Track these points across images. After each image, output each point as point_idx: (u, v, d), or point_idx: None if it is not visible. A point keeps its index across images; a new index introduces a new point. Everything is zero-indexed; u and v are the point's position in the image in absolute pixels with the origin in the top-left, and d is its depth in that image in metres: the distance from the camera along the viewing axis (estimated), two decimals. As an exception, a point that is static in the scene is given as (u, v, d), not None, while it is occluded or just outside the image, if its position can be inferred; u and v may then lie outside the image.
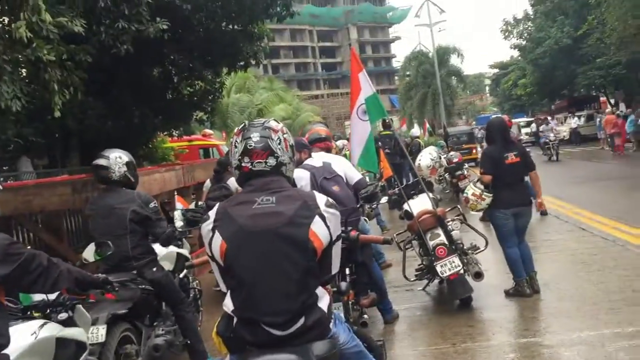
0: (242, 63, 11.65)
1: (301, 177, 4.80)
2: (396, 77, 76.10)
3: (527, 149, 6.71)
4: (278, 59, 75.39)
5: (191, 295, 5.26)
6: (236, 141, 2.33)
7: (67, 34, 7.18)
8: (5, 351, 2.27)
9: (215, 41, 10.19)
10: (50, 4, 7.05)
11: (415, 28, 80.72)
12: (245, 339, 2.22)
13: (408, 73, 50.72)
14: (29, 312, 2.95)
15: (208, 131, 19.18)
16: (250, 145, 2.29)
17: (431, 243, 5.76)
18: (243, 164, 2.30)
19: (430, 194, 6.51)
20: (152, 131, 12.23)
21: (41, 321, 2.83)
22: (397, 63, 79.76)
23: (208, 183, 7.63)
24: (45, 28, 6.67)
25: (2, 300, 2.32)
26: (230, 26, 10.42)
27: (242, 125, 2.40)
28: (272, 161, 2.31)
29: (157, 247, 4.59)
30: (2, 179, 7.59)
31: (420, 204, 6.22)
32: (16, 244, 2.40)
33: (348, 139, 10.08)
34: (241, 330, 2.22)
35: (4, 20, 7.48)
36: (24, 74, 7.84)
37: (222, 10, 9.60)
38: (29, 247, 2.59)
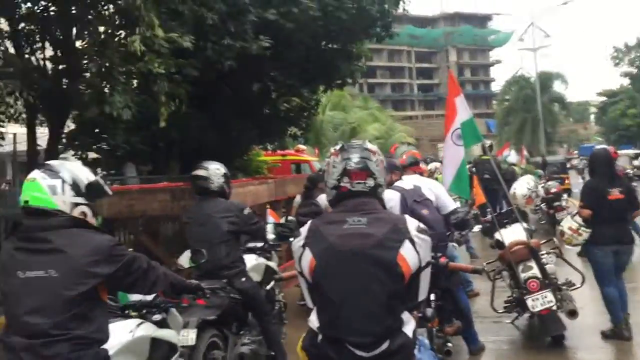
0: (339, 81, 11.80)
1: (391, 198, 4.78)
2: (494, 101, 74.25)
3: (635, 184, 6.33)
4: (374, 78, 75.67)
5: (276, 307, 5.35)
6: (334, 161, 2.35)
7: (176, 48, 7.59)
8: (104, 346, 2.42)
9: (314, 59, 10.40)
10: (163, 19, 7.47)
11: (518, 52, 78.35)
12: (330, 356, 2.23)
13: (507, 97, 49.42)
14: (126, 311, 3.13)
15: (301, 147, 19.50)
16: (350, 166, 2.32)
17: (523, 275, 5.55)
18: (342, 184, 2.32)
19: (525, 224, 6.28)
20: (248, 144, 12.62)
21: (138, 320, 2.98)
22: (496, 87, 77.92)
23: (298, 198, 7.76)
24: (157, 43, 7.09)
25: (104, 298, 2.48)
26: (330, 45, 10.60)
27: (341, 145, 2.43)
28: (370, 182, 2.33)
29: (247, 258, 4.73)
30: (109, 182, 8.08)
31: (513, 234, 6.01)
32: (120, 245, 2.55)
33: (440, 162, 9.92)
34: (326, 347, 2.23)
35: (120, 33, 8.03)
36: (135, 85, 8.34)
37: (323, 29, 9.79)
38: (130, 249, 2.76)
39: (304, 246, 2.27)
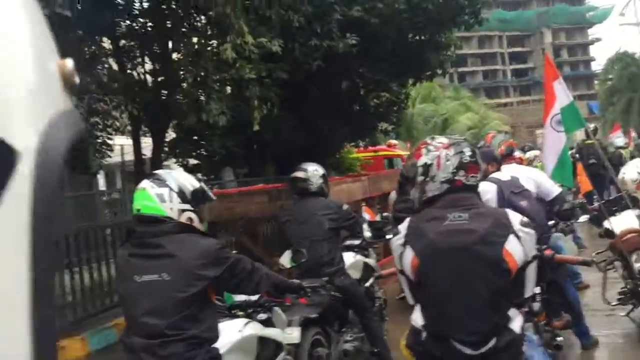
0: (428, 73, 11.63)
1: (487, 190, 4.61)
2: (596, 82, 70.20)
3: None
4: (465, 67, 73.72)
5: (376, 304, 5.36)
6: (447, 155, 2.29)
7: (265, 53, 7.79)
8: (214, 345, 2.53)
9: (402, 53, 10.31)
10: (252, 26, 7.69)
11: (619, 28, 73.39)
12: (434, 354, 2.21)
13: (610, 77, 46.60)
14: (233, 311, 3.25)
15: (393, 141, 19.38)
16: (465, 159, 2.27)
17: (637, 265, 5.22)
18: (457, 178, 2.26)
19: (637, 211, 5.90)
20: (339, 142, 12.71)
21: (245, 320, 3.09)
22: (597, 66, 73.67)
23: (393, 195, 7.69)
24: (247, 49, 7.31)
25: (212, 299, 2.60)
26: (417, 37, 10.47)
27: (450, 139, 2.39)
28: (479, 176, 2.31)
29: (345, 256, 4.77)
30: (209, 186, 8.42)
31: (624, 222, 5.66)
32: (224, 248, 2.67)
33: (539, 150, 9.50)
34: (430, 345, 2.22)
35: (213, 43, 8.35)
36: (229, 92, 8.64)
37: (409, 22, 9.68)
38: (234, 251, 2.89)
39: (404, 244, 2.25)
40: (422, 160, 2.33)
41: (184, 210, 2.56)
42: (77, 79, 0.43)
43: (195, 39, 8.42)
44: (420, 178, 2.35)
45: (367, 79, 10.89)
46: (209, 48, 8.24)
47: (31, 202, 0.36)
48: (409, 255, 2.23)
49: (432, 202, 2.32)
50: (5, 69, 0.36)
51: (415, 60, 10.71)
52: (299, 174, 4.60)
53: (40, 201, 0.36)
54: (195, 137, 10.68)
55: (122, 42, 8.63)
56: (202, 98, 7.92)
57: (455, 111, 32.75)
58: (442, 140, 2.38)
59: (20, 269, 0.37)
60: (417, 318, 2.27)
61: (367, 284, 5.25)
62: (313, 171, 4.61)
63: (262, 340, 3.07)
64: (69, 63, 0.41)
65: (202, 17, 8.23)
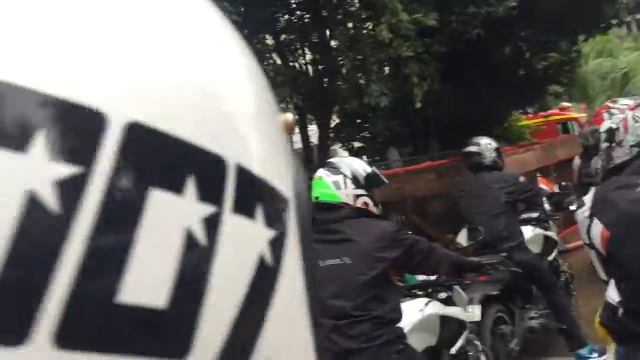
0: (602, 25, 10.68)
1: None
2: None
3: None
4: (643, 12, 66.28)
5: (562, 279, 5.09)
6: (635, 116, 2.12)
7: (421, 28, 7.68)
8: (398, 325, 2.60)
9: (569, 8, 9.55)
10: (405, 3, 7.62)
11: None
12: (633, 331, 2.06)
13: None
14: (413, 291, 3.30)
15: (565, 104, 18.03)
16: None
17: None
18: None
19: None
20: (505, 111, 12.15)
21: (426, 299, 3.12)
22: None
23: (577, 160, 7.22)
24: (403, 27, 7.27)
25: (393, 280, 2.66)
26: (586, -12, 9.65)
27: (635, 100, 2.21)
28: None
29: (524, 230, 4.59)
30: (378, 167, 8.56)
31: None
32: (401, 230, 2.72)
33: None
34: (628, 321, 2.06)
35: (368, 26, 8.43)
36: (387, 72, 8.67)
37: (576, -28, 8.95)
38: (409, 232, 2.95)
39: (590, 216, 2.11)
40: (605, 125, 2.18)
41: (359, 196, 2.65)
42: (294, 128, 0.48)
43: (350, 24, 8.55)
44: (604, 144, 2.20)
45: (531, 42, 10.27)
46: (364, 31, 8.33)
47: (299, 248, 0.40)
48: (598, 227, 2.08)
49: (619, 170, 2.15)
50: (275, 129, 0.41)
51: (586, 14, 9.87)
52: (472, 148, 4.51)
53: (305, 245, 0.40)
54: (359, 120, 10.83)
55: (283, 36, 9.02)
56: (362, 81, 8.04)
57: (636, 63, 29.54)
58: (627, 101, 2.20)
59: (302, 313, 0.40)
60: (612, 294, 2.12)
61: (550, 258, 5.01)
62: (486, 144, 4.50)
63: (444, 319, 3.09)
64: (289, 115, 0.46)
65: (356, 2, 8.33)
